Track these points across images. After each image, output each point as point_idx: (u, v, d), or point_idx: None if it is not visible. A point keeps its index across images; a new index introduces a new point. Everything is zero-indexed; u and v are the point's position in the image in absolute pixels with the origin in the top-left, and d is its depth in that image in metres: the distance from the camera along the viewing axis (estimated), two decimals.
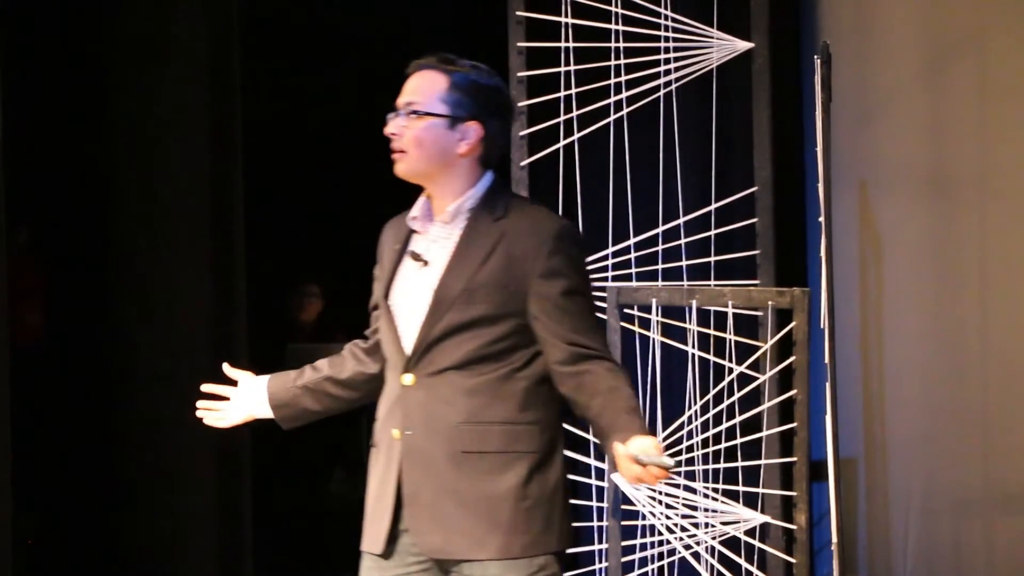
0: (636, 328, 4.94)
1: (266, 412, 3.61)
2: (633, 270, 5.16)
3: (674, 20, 5.11)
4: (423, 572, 3.39)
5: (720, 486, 4.95)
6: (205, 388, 3.63)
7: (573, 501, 5.21)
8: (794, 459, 4.83)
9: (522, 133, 5.12)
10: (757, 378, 4.90)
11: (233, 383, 3.65)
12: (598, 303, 5.08)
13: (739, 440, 4.92)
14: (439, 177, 3.42)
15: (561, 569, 3.40)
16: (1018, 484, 4.67)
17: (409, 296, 3.42)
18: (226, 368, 3.65)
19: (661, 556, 5.01)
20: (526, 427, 3.36)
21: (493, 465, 3.33)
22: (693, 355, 4.98)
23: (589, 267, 5.13)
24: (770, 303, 4.87)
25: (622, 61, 5.12)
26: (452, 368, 3.35)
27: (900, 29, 5.03)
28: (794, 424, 4.82)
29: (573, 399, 3.38)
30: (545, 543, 3.36)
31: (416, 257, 3.43)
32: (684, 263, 5.17)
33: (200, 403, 3.64)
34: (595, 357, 3.36)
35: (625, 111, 5.13)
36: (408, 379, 3.38)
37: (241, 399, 3.63)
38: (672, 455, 4.91)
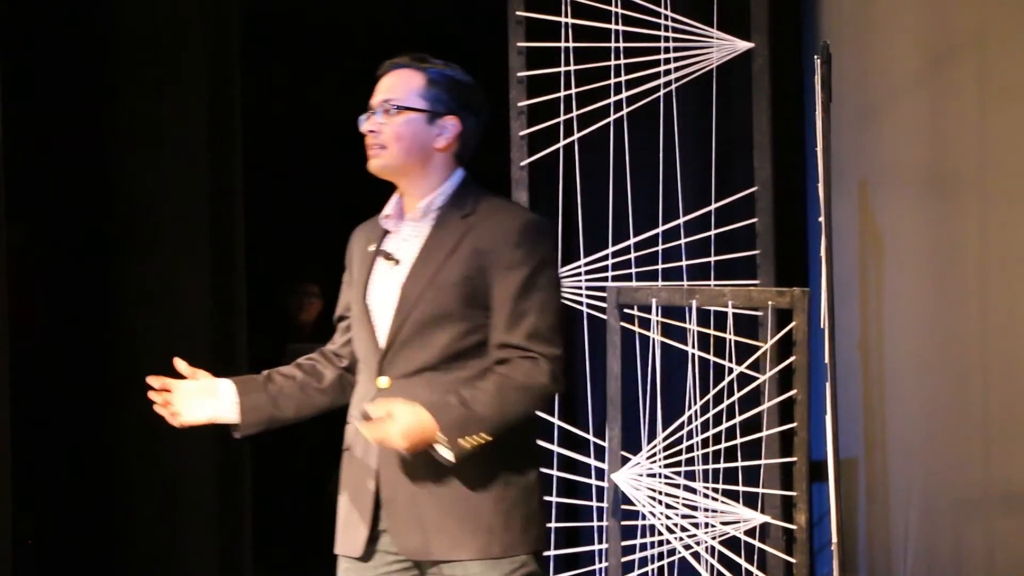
0: (636, 328, 4.94)
1: (231, 417, 3.50)
2: (633, 270, 5.16)
3: (674, 20, 5.11)
4: (402, 572, 3.40)
5: (720, 486, 4.95)
6: (152, 380, 3.47)
7: (573, 501, 5.25)
8: (794, 459, 4.83)
9: (522, 133, 5.12)
10: (757, 378, 4.90)
11: (180, 378, 3.50)
12: (598, 303, 5.10)
13: (739, 440, 4.92)
14: (414, 173, 3.44)
15: (540, 568, 3.41)
16: (1018, 484, 4.67)
17: (382, 296, 3.43)
18: (180, 364, 3.50)
19: (661, 556, 5.01)
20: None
21: (472, 465, 3.32)
22: (693, 355, 4.97)
23: (589, 267, 5.15)
24: (770, 303, 4.87)
25: (622, 61, 5.12)
26: (427, 368, 3.35)
27: (900, 29, 5.02)
28: (794, 424, 4.82)
29: None
30: (524, 543, 3.36)
31: (388, 256, 3.45)
32: (684, 263, 5.17)
33: (153, 395, 3.47)
34: (521, 359, 3.33)
35: (625, 111, 5.13)
36: (384, 381, 3.38)
37: (200, 399, 3.49)
38: (672, 455, 4.91)
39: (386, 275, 3.45)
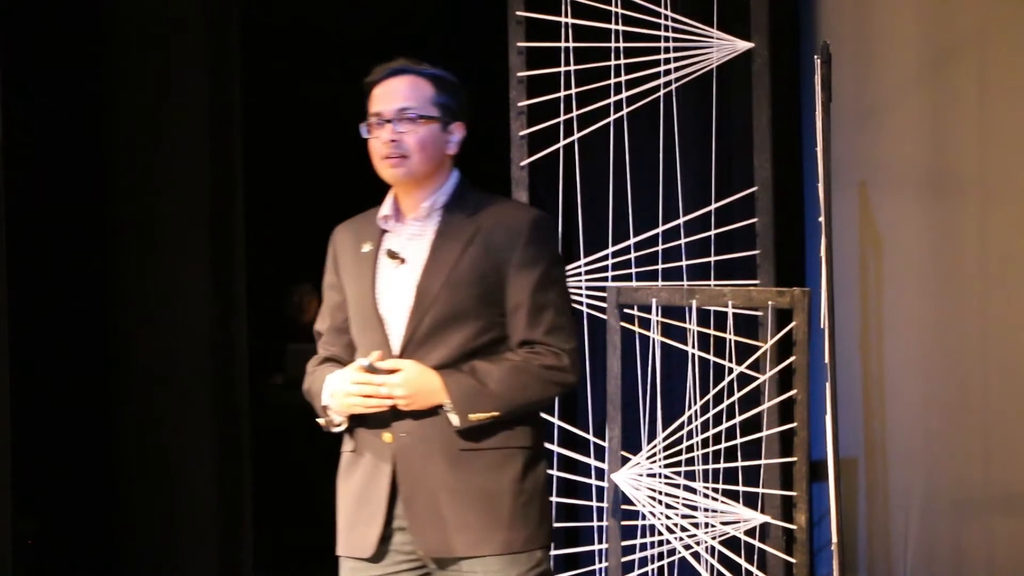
0: (636, 328, 4.94)
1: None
2: (633, 270, 5.16)
3: (674, 20, 5.11)
4: (412, 571, 3.41)
5: (720, 486, 4.94)
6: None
7: (573, 501, 5.26)
8: (794, 459, 4.83)
9: (522, 133, 5.12)
10: (757, 378, 4.90)
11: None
12: (598, 303, 5.10)
13: (739, 440, 4.92)
14: (428, 178, 3.47)
15: (550, 562, 3.46)
16: (1018, 484, 4.67)
17: (390, 296, 3.43)
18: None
19: (661, 556, 5.01)
20: (520, 422, 3.40)
21: (491, 462, 3.36)
22: (693, 355, 4.97)
23: (589, 267, 5.15)
24: (770, 303, 4.87)
25: (622, 61, 5.12)
26: (443, 367, 3.36)
27: (900, 29, 5.03)
28: (794, 424, 4.82)
29: None
30: (541, 537, 3.41)
31: (393, 255, 3.45)
32: (684, 263, 5.17)
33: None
34: (545, 351, 3.40)
35: (625, 111, 5.12)
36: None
37: None
38: (672, 455, 4.91)
39: (392, 275, 3.45)
